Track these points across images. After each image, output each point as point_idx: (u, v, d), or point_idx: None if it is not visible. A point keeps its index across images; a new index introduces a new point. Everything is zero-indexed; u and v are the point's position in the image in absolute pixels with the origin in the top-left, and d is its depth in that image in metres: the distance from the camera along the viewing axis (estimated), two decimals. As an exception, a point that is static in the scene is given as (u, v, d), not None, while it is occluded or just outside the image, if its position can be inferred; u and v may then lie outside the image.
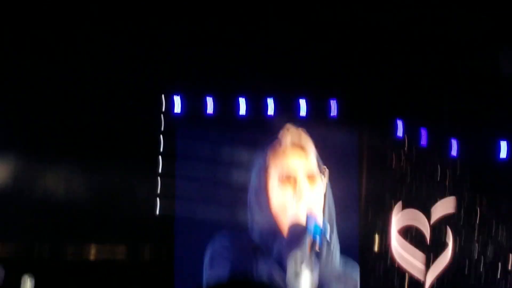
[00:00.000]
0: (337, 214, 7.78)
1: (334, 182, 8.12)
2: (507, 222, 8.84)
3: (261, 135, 8.17)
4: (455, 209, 8.74)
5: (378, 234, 8.47)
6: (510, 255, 8.98)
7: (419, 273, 8.69)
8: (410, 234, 8.65)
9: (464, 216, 8.74)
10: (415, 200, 8.76)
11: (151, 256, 8.17)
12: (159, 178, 8.07)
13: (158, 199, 8.02)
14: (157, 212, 7.97)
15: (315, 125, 8.54)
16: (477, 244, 8.72)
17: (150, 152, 8.02)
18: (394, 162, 8.61)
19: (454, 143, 8.57)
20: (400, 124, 8.49)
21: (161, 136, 8.08)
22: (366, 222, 8.39)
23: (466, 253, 8.61)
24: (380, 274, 8.65)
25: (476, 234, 8.73)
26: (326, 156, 8.68)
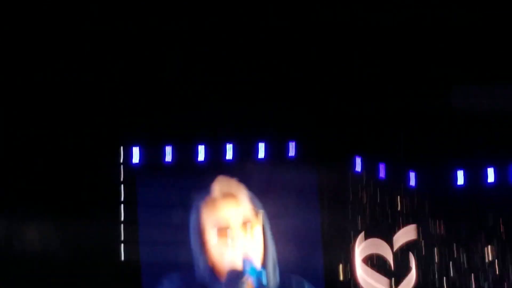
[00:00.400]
0: (302, 248, 7.78)
1: (296, 219, 8.13)
2: (466, 244, 9.00)
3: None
4: (416, 235, 8.88)
5: (342, 264, 8.56)
6: (472, 275, 9.14)
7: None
8: (374, 261, 8.75)
9: (425, 242, 8.88)
10: (377, 230, 8.88)
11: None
12: (122, 226, 8.13)
13: (122, 246, 8.06)
14: (122, 259, 8.00)
15: (275, 166, 8.69)
16: (439, 268, 8.87)
17: (112, 202, 8.06)
18: (354, 196, 8.73)
19: (411, 175, 8.72)
20: (358, 159, 8.63)
21: (122, 186, 8.14)
22: (330, 254, 8.48)
23: (429, 277, 8.74)
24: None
25: (437, 258, 8.87)
26: (287, 194, 8.70)
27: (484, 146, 8.56)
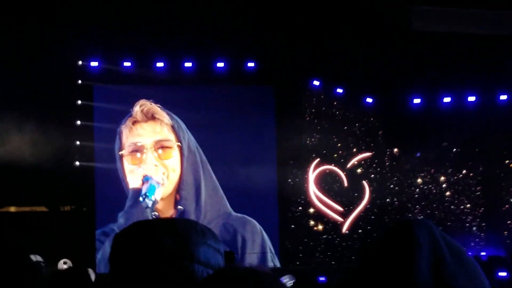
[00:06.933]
0: (256, 166, 7.97)
1: (252, 138, 8.23)
2: (416, 170, 9.19)
3: (177, 94, 8.25)
4: (370, 162, 9.03)
5: (296, 185, 8.67)
6: (424, 198, 9.37)
7: (338, 215, 8.95)
8: (328, 185, 8.88)
9: (378, 166, 9.04)
10: (332, 155, 8.99)
11: (72, 204, 8.15)
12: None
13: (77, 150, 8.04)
14: (78, 163, 7.97)
15: (233, 85, 8.76)
16: (390, 189, 9.07)
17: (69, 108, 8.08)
18: (311, 120, 8.81)
19: (369, 100, 8.82)
20: (316, 82, 8.70)
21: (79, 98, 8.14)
22: (284, 175, 8.57)
23: (381, 198, 8.92)
24: (299, 218, 8.86)
25: (389, 180, 9.06)
26: (244, 113, 8.81)
27: (441, 71, 8.70)
